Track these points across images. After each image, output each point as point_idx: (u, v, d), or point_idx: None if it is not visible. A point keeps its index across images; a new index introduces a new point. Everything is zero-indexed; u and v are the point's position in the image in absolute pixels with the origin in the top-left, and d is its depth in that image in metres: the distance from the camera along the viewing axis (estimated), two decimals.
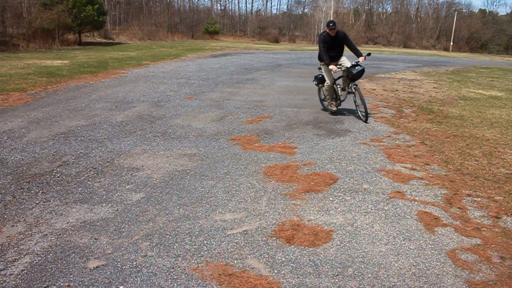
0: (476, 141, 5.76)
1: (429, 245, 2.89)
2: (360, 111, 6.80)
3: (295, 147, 5.09)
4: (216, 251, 2.71)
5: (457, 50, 50.77)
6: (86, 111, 6.74)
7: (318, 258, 2.68)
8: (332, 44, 6.70)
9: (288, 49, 32.94)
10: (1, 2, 20.13)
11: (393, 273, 2.55)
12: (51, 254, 2.62)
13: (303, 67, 16.16)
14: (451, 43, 50.87)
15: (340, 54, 6.88)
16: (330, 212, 3.34)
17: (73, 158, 4.44)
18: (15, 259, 2.56)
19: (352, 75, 6.55)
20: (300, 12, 62.18)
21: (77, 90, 8.68)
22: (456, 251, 2.82)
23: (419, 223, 3.20)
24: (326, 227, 3.09)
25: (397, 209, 3.43)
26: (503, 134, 6.31)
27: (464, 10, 59.90)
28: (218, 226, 3.05)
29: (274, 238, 2.90)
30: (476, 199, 3.71)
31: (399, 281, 2.47)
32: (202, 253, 2.69)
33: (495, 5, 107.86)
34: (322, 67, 6.96)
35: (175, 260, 2.60)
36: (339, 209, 3.40)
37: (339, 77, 6.98)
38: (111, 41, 31.04)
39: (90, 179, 3.88)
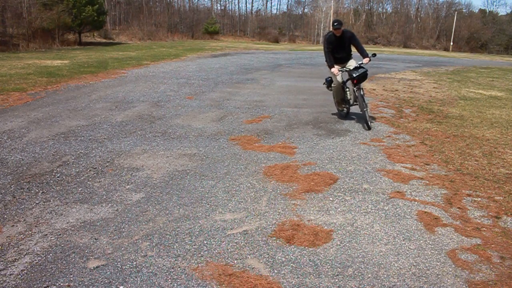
0: (476, 141, 5.76)
1: (429, 245, 2.89)
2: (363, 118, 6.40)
3: (295, 147, 5.09)
4: (216, 251, 2.71)
5: (457, 50, 50.78)
6: (86, 111, 6.74)
7: (318, 258, 2.68)
8: (338, 45, 6.31)
9: (288, 49, 32.95)
10: (1, 2, 20.12)
11: (393, 273, 2.55)
12: (51, 254, 2.62)
13: (303, 67, 16.16)
14: (451, 43, 50.88)
15: (347, 56, 6.46)
16: (330, 212, 3.34)
17: (73, 158, 4.44)
18: (15, 259, 2.56)
19: (353, 78, 6.20)
20: (300, 12, 62.26)
21: (77, 90, 8.68)
22: (456, 251, 2.82)
23: (419, 223, 3.20)
24: (326, 227, 3.09)
25: (397, 209, 3.43)
26: (503, 134, 6.31)
27: (464, 10, 59.96)
28: (218, 226, 3.05)
29: (274, 238, 2.90)
30: (476, 199, 3.71)
31: (399, 281, 2.47)
32: (202, 253, 2.69)
33: (495, 5, 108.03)
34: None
35: (175, 260, 2.60)
36: (339, 209, 3.40)
37: (348, 79, 6.56)
38: (111, 41, 31.04)
39: (90, 179, 3.88)
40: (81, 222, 3.04)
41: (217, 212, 3.27)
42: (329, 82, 6.84)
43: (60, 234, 2.87)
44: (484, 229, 3.15)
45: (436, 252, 2.80)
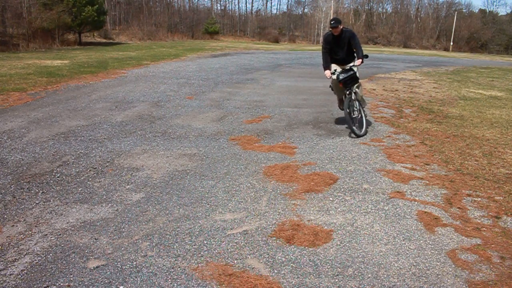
0: (476, 141, 5.76)
1: (429, 245, 2.89)
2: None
3: (295, 147, 5.09)
4: (216, 251, 2.71)
5: (457, 50, 50.78)
6: (86, 111, 6.74)
7: (318, 258, 2.68)
8: (336, 45, 5.88)
9: (288, 49, 32.95)
10: (1, 2, 20.12)
11: (393, 273, 2.55)
12: (51, 254, 2.62)
13: (303, 67, 16.16)
14: (451, 43, 50.89)
15: (347, 57, 5.94)
16: (330, 212, 3.34)
17: (73, 158, 4.44)
18: (15, 259, 2.56)
19: (339, 81, 5.73)
20: (300, 12, 62.24)
21: (77, 90, 8.68)
22: (456, 251, 2.82)
23: (419, 223, 3.20)
24: (326, 227, 3.09)
25: (397, 209, 3.43)
26: (503, 134, 6.31)
27: (464, 10, 59.99)
28: (218, 226, 3.05)
29: (274, 238, 2.90)
30: (476, 199, 3.71)
31: (399, 281, 2.47)
32: (202, 253, 2.69)
33: (495, 5, 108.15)
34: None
35: (175, 260, 2.60)
36: (339, 209, 3.40)
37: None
38: (111, 41, 31.04)
39: (90, 179, 3.88)
40: (81, 222, 3.04)
41: (217, 212, 3.27)
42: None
43: (60, 234, 2.87)
44: (484, 229, 3.15)
45: (436, 252, 2.80)
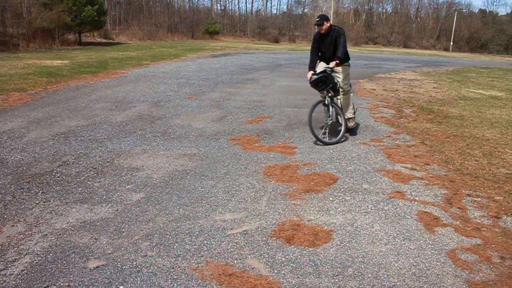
0: (476, 141, 5.76)
1: (429, 245, 2.89)
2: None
3: (295, 147, 5.09)
4: (216, 251, 2.71)
5: (457, 50, 50.79)
6: (86, 111, 6.74)
7: (318, 258, 2.68)
8: (322, 44, 5.52)
9: (288, 49, 32.94)
10: (1, 2, 20.11)
11: (393, 273, 2.55)
12: (51, 254, 2.62)
13: (303, 67, 16.16)
14: (451, 43, 50.90)
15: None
16: (330, 212, 3.34)
17: (73, 158, 4.44)
18: (15, 259, 2.56)
19: (310, 83, 5.37)
20: (300, 12, 62.18)
21: (77, 90, 8.68)
22: (456, 251, 2.82)
23: (419, 223, 3.20)
24: (326, 227, 3.09)
25: (397, 209, 3.43)
26: (503, 134, 6.31)
27: (464, 10, 60.00)
28: (218, 226, 3.05)
29: (274, 238, 2.90)
30: (476, 199, 3.71)
31: (399, 281, 2.47)
32: (202, 253, 2.69)
33: (495, 5, 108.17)
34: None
35: (175, 260, 2.60)
36: (339, 209, 3.40)
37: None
38: (111, 41, 31.04)
39: (90, 179, 3.88)
40: (81, 222, 3.04)
41: (217, 212, 3.27)
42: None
43: (60, 234, 2.87)
44: (484, 229, 3.15)
45: (436, 252, 2.80)
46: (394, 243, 2.89)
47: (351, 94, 5.80)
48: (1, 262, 2.52)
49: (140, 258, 2.61)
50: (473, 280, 2.50)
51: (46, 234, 2.86)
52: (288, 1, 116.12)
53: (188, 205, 3.37)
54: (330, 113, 5.44)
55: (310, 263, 2.62)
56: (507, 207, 3.56)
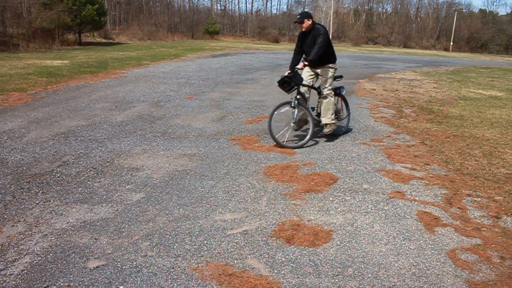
0: (476, 141, 5.76)
1: (429, 245, 2.89)
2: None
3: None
4: (216, 251, 2.71)
5: (457, 50, 50.81)
6: (86, 111, 6.74)
7: (318, 258, 2.68)
8: (304, 43, 5.26)
9: (288, 49, 32.93)
10: (1, 2, 20.11)
11: (393, 273, 2.55)
12: (51, 254, 2.62)
13: None
14: (451, 43, 50.91)
15: (318, 58, 5.10)
16: (330, 212, 3.34)
17: (73, 158, 4.44)
18: (15, 259, 2.56)
19: (277, 82, 5.19)
20: (300, 12, 62.14)
21: (77, 90, 8.68)
22: (456, 251, 2.82)
23: (419, 223, 3.20)
24: (326, 227, 3.09)
25: (397, 209, 3.43)
26: (503, 134, 6.31)
27: (464, 10, 60.03)
28: (218, 226, 3.04)
29: (274, 238, 2.90)
30: (476, 199, 3.71)
31: (399, 281, 2.47)
32: (202, 253, 2.69)
33: (495, 5, 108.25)
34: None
35: (175, 260, 2.60)
36: (339, 209, 3.40)
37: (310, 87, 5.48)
38: (111, 41, 31.03)
39: (90, 179, 3.88)
40: (81, 222, 3.04)
41: (217, 212, 3.27)
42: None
43: (60, 234, 2.87)
44: (484, 229, 3.15)
45: (436, 252, 2.80)
46: (394, 243, 2.89)
47: (332, 99, 5.38)
48: (1, 262, 2.52)
49: (140, 258, 2.61)
50: (473, 280, 2.50)
51: (46, 234, 2.86)
52: (288, 1, 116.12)
53: (188, 205, 3.37)
54: (294, 116, 5.19)
55: (310, 263, 2.62)
56: (507, 207, 3.56)
